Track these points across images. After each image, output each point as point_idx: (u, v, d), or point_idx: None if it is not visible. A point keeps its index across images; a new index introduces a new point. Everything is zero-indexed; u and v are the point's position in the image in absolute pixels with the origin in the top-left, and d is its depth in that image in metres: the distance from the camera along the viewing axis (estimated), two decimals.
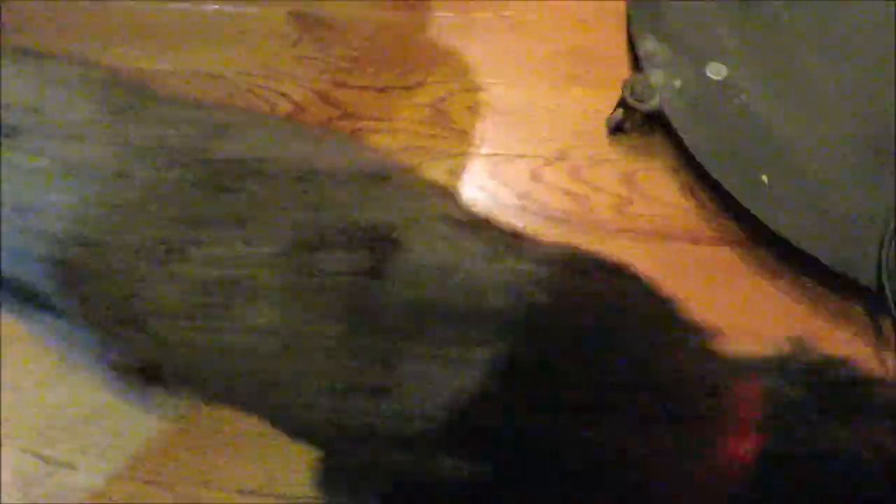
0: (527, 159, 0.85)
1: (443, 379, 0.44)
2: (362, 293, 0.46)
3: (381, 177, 0.52)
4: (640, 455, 0.45)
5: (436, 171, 0.84)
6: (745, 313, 0.77)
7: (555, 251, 0.50)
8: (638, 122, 0.85)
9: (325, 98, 0.89)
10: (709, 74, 0.81)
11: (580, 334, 0.46)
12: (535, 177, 0.84)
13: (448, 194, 0.54)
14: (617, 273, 0.51)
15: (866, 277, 0.70)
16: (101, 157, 0.49)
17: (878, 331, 0.73)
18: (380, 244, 0.47)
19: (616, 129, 0.85)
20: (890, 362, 0.72)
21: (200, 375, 0.50)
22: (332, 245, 0.47)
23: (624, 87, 0.83)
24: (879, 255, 0.69)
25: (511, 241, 0.51)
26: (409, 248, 0.47)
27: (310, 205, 0.49)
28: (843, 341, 0.74)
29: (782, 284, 0.77)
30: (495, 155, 0.86)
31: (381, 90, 0.90)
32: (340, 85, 0.90)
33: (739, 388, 0.47)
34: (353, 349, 0.45)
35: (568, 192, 0.83)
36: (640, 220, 0.81)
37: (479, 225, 0.51)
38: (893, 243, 0.70)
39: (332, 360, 0.46)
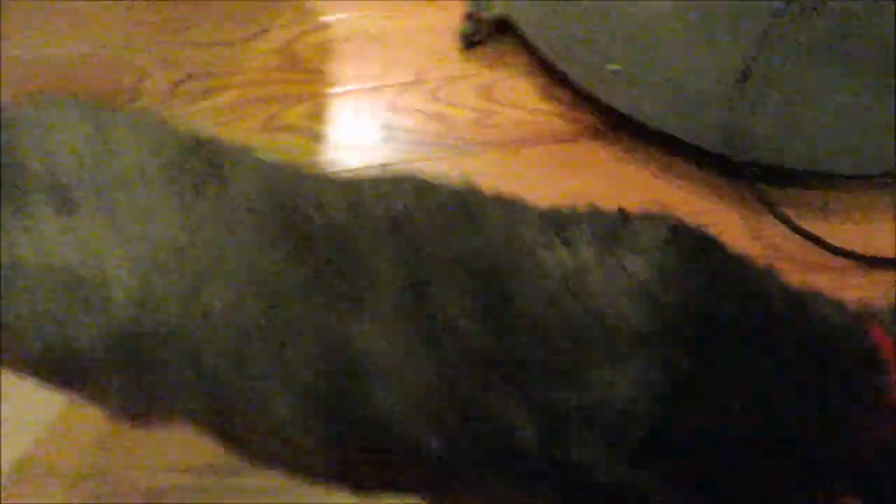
0: (384, 89, 0.84)
1: (600, 405, 0.41)
2: (491, 343, 0.42)
3: (466, 204, 0.48)
4: (835, 437, 0.43)
5: (295, 116, 0.82)
6: (625, 200, 0.78)
7: (653, 232, 0.46)
8: (488, 32, 0.84)
9: (168, 61, 0.85)
10: None
11: (718, 325, 0.43)
12: (394, 105, 0.83)
13: (511, 198, 0.50)
14: (709, 242, 0.47)
15: (716, 146, 0.71)
16: (172, 228, 0.43)
17: (743, 199, 0.76)
18: (492, 283, 0.43)
19: (468, 43, 0.84)
20: (763, 230, 0.75)
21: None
22: (445, 296, 0.43)
23: None
24: (725, 123, 0.71)
25: (599, 226, 0.46)
26: (521, 278, 0.44)
27: (410, 260, 0.44)
28: (721, 216, 0.76)
29: (653, 168, 0.78)
30: (352, 90, 0.84)
31: (226, 44, 0.86)
32: (182, 45, 0.87)
33: (880, 340, 0.46)
34: (501, 401, 0.42)
35: (429, 115, 0.82)
36: (503, 130, 0.81)
37: (558, 219, 0.47)
38: (736, 110, 0.71)
39: (488, 423, 0.42)
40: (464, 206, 0.48)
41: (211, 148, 0.49)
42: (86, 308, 0.42)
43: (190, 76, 0.84)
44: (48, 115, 0.47)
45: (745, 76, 0.72)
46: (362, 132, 0.82)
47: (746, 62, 0.73)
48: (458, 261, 0.44)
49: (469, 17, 0.82)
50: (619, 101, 0.74)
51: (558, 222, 0.47)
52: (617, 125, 0.79)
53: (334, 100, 0.83)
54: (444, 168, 0.79)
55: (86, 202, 0.43)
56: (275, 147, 0.79)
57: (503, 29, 0.83)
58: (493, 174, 0.78)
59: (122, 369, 0.44)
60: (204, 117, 0.81)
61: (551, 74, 0.82)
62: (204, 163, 0.47)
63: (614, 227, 0.46)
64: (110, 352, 0.43)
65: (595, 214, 0.48)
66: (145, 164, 0.45)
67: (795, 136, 0.72)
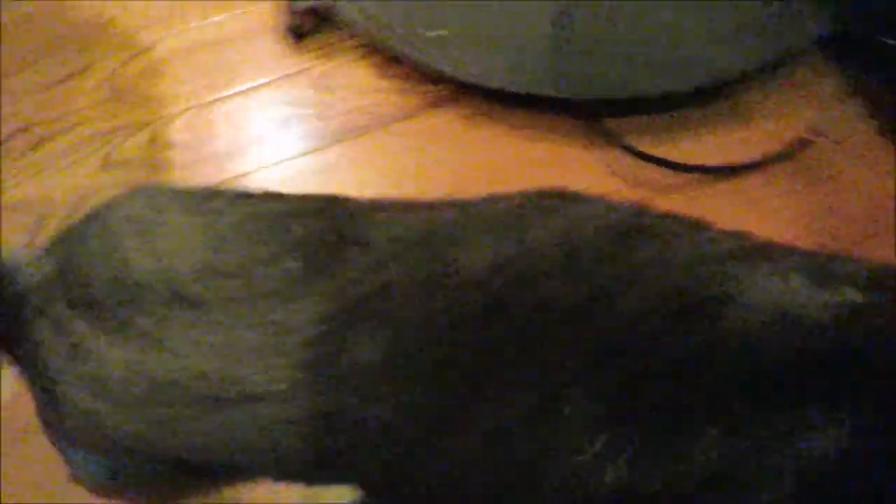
0: (222, 100, 0.81)
1: (790, 445, 0.37)
2: (702, 380, 0.38)
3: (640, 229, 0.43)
4: None
5: (133, 148, 0.79)
6: (486, 161, 0.78)
7: (872, 270, 0.41)
8: (315, 22, 0.82)
9: None
10: None
11: None
12: (235, 117, 0.81)
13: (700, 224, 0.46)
14: None
15: (551, 90, 0.72)
16: (307, 322, 0.39)
17: (593, 137, 0.77)
18: (698, 313, 0.39)
19: (297, 36, 0.83)
20: (616, 163, 0.76)
21: None
22: (644, 332, 0.39)
23: None
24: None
25: (805, 257, 0.43)
26: (729, 308, 0.39)
27: (594, 313, 0.40)
28: (576, 158, 0.77)
29: (502, 124, 0.79)
30: (189, 107, 0.81)
31: (46, 89, 0.82)
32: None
33: None
34: (689, 441, 0.38)
35: (273, 117, 0.80)
36: (349, 117, 0.80)
37: (758, 247, 0.43)
38: (562, 52, 0.72)
39: (676, 463, 0.38)
40: (637, 230, 0.44)
41: (333, 210, 0.45)
42: (236, 414, 0.39)
43: (15, 131, 0.80)
44: (150, 209, 0.44)
45: (563, 16, 0.73)
46: (208, 147, 0.79)
47: (563, 2, 0.73)
48: (651, 305, 0.40)
49: (290, 11, 0.80)
50: (449, 66, 0.74)
51: (760, 251, 0.43)
52: (459, 90, 0.79)
53: (173, 122, 0.81)
54: (299, 168, 0.78)
55: (210, 301, 0.40)
56: (119, 184, 0.76)
57: (327, 15, 0.82)
58: (348, 164, 0.78)
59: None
60: (39, 169, 0.77)
61: (383, 52, 0.81)
62: (329, 231, 0.43)
63: (821, 260, 0.43)
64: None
65: (792, 248, 0.44)
66: (270, 256, 0.41)
67: (622, 64, 0.73)
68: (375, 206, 0.46)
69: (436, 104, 0.80)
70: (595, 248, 0.42)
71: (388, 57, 0.80)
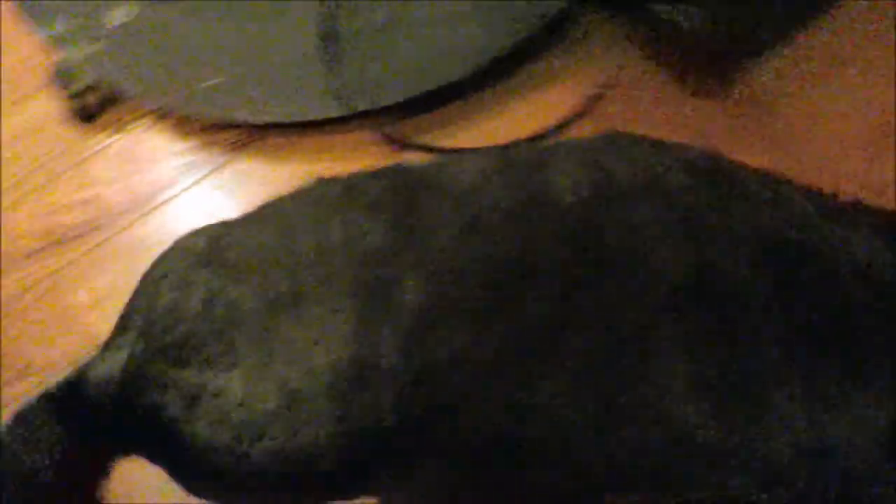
0: (23, 199, 0.80)
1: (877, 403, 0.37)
2: (782, 322, 0.38)
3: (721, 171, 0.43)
4: None
5: None
6: None
7: None
8: (101, 98, 0.81)
9: None
10: (114, 24, 0.77)
11: None
12: (38, 213, 0.79)
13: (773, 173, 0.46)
14: None
15: (332, 110, 0.72)
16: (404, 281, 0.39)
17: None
18: (785, 255, 0.39)
19: (86, 117, 0.81)
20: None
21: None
22: (733, 269, 0.39)
23: (54, 78, 0.79)
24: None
25: (877, 217, 0.43)
26: (813, 256, 0.40)
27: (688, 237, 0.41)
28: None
29: (305, 151, 0.78)
30: None
31: None
32: None
33: None
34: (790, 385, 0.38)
35: (81, 204, 0.79)
36: (159, 185, 0.79)
37: (835, 205, 0.44)
38: (335, 69, 0.72)
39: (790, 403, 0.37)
40: (719, 171, 0.44)
41: (395, 168, 0.46)
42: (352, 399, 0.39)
43: None
44: (207, 244, 0.45)
45: (327, 32, 0.73)
46: (22, 249, 0.78)
47: (324, 21, 0.73)
48: (740, 237, 0.40)
49: (68, 96, 0.79)
50: (230, 112, 0.73)
51: (838, 205, 0.44)
52: (257, 131, 0.79)
53: None
54: (114, 247, 0.76)
55: (306, 293, 0.39)
56: None
57: (107, 89, 0.80)
58: (170, 231, 0.76)
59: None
60: None
61: (174, 113, 0.80)
62: (398, 185, 0.43)
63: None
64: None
65: (869, 207, 0.45)
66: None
67: (396, 66, 0.73)
68: (433, 161, 0.47)
69: (240, 148, 0.79)
70: (679, 180, 0.42)
71: (192, 116, 0.79)
